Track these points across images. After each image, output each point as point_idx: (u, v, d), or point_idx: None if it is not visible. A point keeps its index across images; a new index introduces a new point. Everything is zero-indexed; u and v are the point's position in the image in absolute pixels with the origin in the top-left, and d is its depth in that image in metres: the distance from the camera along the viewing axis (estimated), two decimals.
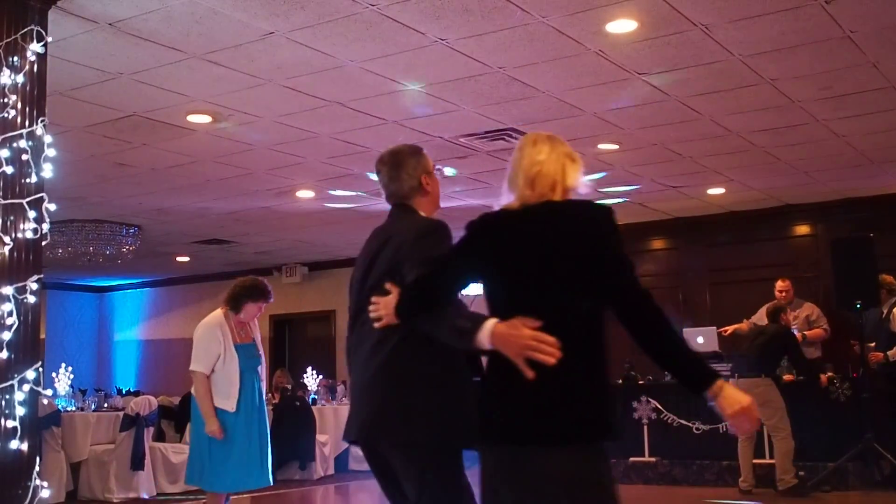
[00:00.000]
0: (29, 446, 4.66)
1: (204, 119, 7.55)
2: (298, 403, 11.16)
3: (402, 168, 3.35)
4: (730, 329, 9.85)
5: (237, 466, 5.87)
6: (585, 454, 2.59)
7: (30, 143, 4.81)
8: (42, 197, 4.83)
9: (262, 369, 6.20)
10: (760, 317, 9.64)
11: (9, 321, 4.64)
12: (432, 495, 3.06)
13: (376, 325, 3.02)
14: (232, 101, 7.14)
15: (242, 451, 5.89)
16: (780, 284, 9.82)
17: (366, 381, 3.17)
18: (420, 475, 3.07)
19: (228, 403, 5.86)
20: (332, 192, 10.28)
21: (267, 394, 12.59)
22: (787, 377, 8.99)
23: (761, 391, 8.27)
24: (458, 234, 2.89)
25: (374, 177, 3.76)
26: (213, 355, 5.90)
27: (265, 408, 6.16)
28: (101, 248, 11.91)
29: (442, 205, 3.70)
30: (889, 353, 8.97)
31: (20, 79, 4.84)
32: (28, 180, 4.79)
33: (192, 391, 6.02)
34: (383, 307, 2.96)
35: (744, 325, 9.85)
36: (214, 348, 5.91)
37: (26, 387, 4.66)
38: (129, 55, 6.12)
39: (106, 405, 10.27)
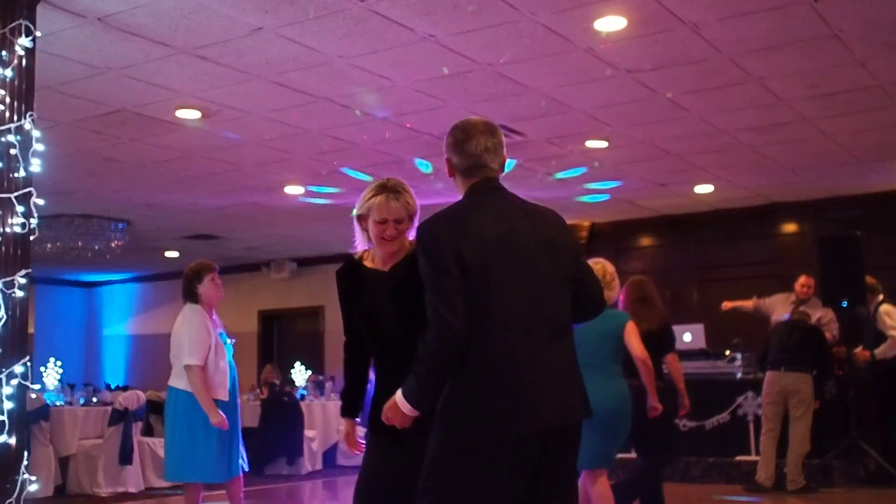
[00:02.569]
0: (17, 440, 4.66)
1: (193, 114, 7.55)
2: (287, 399, 11.18)
3: (501, 142, 3.14)
4: (730, 305, 9.91)
5: (226, 455, 5.85)
6: None
7: (18, 137, 4.81)
8: (30, 191, 4.82)
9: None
10: (779, 304, 9.67)
11: None
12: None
13: None
14: (220, 97, 7.14)
15: (233, 439, 5.87)
16: (804, 280, 9.53)
17: (564, 362, 3.01)
18: (575, 458, 3.11)
19: (222, 392, 5.77)
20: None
21: (255, 389, 12.68)
22: None
23: (806, 388, 8.42)
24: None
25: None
26: (206, 346, 5.75)
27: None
28: (89, 243, 11.88)
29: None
30: (876, 351, 9.03)
31: (8, 73, 4.84)
32: (16, 175, 4.79)
33: (190, 385, 5.73)
34: None
35: (749, 303, 9.86)
36: (206, 338, 5.77)
37: (14, 381, 4.67)
38: (117, 50, 6.11)
39: (94, 400, 10.25)
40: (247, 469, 6.19)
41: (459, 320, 2.84)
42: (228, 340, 6.02)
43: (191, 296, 5.93)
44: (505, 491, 2.88)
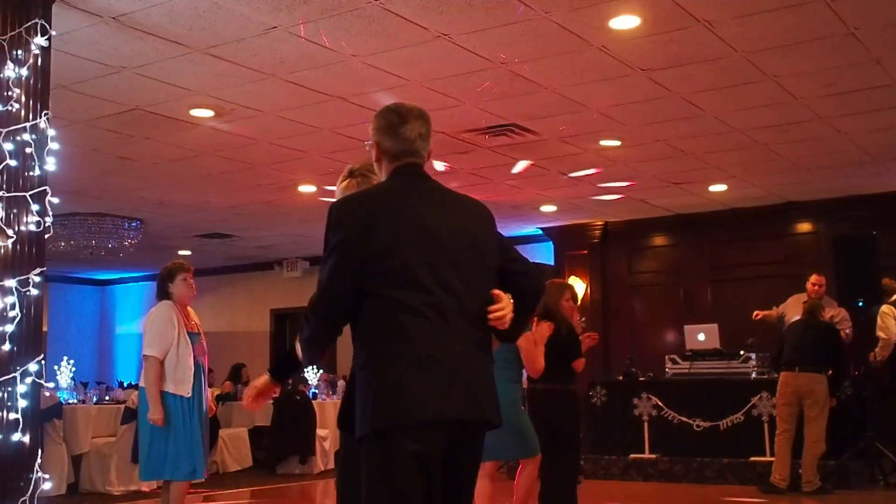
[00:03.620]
0: (31, 438, 4.68)
1: (206, 113, 7.56)
2: (299, 398, 11.17)
3: (430, 132, 3.02)
4: (761, 314, 9.86)
5: (196, 452, 5.81)
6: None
7: (33, 136, 4.83)
8: (45, 190, 4.84)
9: (206, 359, 6.11)
10: (791, 305, 9.59)
11: (11, 314, 4.66)
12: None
13: (497, 323, 2.89)
14: (234, 96, 7.14)
15: (197, 436, 5.84)
16: (815, 279, 9.39)
17: (474, 357, 2.86)
18: (478, 461, 2.98)
19: (184, 388, 5.78)
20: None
21: None
22: None
23: (821, 388, 8.36)
24: None
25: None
26: (169, 340, 5.80)
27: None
28: (103, 242, 11.92)
29: None
30: (874, 352, 8.99)
31: (24, 72, 4.86)
32: (31, 173, 4.81)
33: (142, 379, 5.87)
34: (508, 309, 2.92)
35: (773, 312, 9.82)
36: (170, 332, 5.82)
37: (28, 379, 4.69)
38: (132, 49, 6.12)
39: (107, 398, 10.28)
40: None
41: (335, 309, 2.93)
42: (202, 340, 6.05)
43: (163, 295, 6.06)
44: (416, 482, 2.74)
